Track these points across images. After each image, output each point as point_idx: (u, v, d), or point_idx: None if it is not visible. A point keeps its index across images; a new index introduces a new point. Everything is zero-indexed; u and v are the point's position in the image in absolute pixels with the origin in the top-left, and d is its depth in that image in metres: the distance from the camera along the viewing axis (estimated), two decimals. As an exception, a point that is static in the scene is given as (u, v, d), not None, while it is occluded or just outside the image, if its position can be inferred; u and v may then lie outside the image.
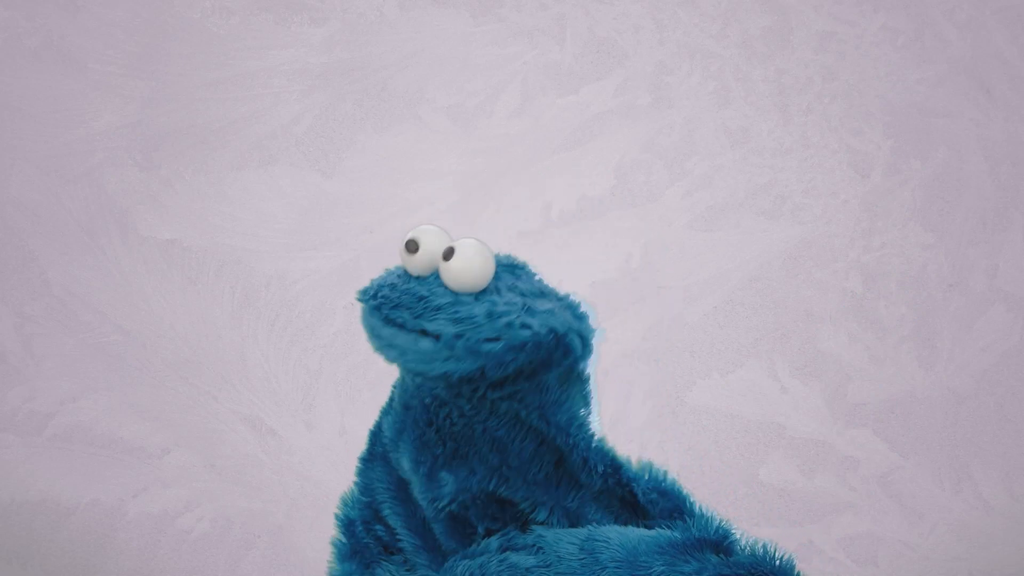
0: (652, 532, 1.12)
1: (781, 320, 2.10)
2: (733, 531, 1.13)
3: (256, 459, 2.08)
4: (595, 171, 2.12)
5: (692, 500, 1.17)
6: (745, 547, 1.11)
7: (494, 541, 1.16)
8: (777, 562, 1.10)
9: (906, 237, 2.11)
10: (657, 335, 2.10)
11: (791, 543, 2.04)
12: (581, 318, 1.13)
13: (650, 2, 2.14)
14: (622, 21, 2.13)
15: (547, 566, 1.12)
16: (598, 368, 2.10)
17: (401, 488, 1.21)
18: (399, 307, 1.09)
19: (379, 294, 1.11)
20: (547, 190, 2.12)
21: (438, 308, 1.08)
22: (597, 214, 2.12)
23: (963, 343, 2.10)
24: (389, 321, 1.09)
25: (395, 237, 2.09)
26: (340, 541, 1.24)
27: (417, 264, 1.11)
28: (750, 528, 2.01)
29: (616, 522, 1.16)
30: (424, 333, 1.07)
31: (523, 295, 1.10)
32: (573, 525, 1.15)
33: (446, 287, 1.09)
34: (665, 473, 1.18)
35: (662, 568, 1.08)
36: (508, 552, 1.15)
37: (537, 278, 1.16)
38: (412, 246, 1.11)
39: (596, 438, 1.16)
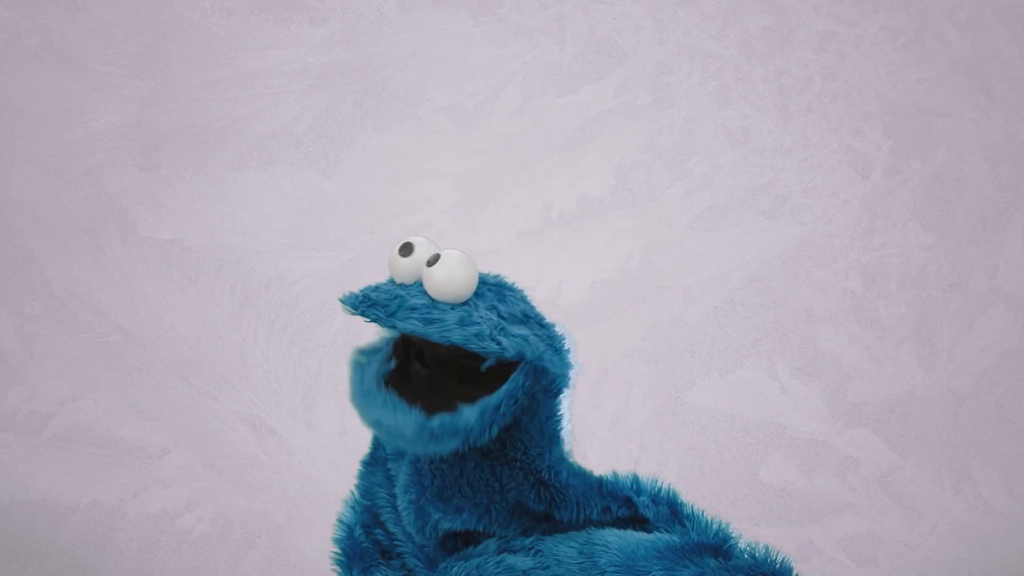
0: (651, 536, 1.12)
1: (781, 320, 2.10)
2: (732, 535, 1.13)
3: (256, 459, 2.08)
4: (595, 171, 2.12)
5: (689, 505, 1.18)
6: (744, 550, 1.11)
7: (492, 543, 1.16)
8: (776, 565, 1.10)
9: (906, 237, 2.11)
10: (657, 335, 2.10)
11: (791, 543, 2.04)
12: (559, 351, 1.13)
13: (650, 2, 2.14)
14: (622, 21, 2.13)
15: (545, 568, 1.12)
16: (598, 368, 2.10)
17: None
18: (376, 305, 1.09)
19: (363, 293, 1.12)
20: (547, 190, 2.12)
21: (413, 308, 1.08)
22: (597, 214, 2.11)
23: (963, 343, 2.10)
24: (363, 363, 1.12)
25: (395, 237, 2.09)
26: (338, 552, 1.25)
27: (404, 269, 1.12)
28: (750, 528, 2.01)
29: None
30: (395, 329, 1.09)
31: (501, 316, 1.11)
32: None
33: (427, 294, 1.10)
34: (656, 481, 1.19)
35: (661, 572, 1.08)
36: (505, 554, 1.15)
37: (525, 303, 1.16)
38: (407, 249, 1.12)
39: (595, 475, 1.17)
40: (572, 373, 1.15)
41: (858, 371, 2.09)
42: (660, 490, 1.18)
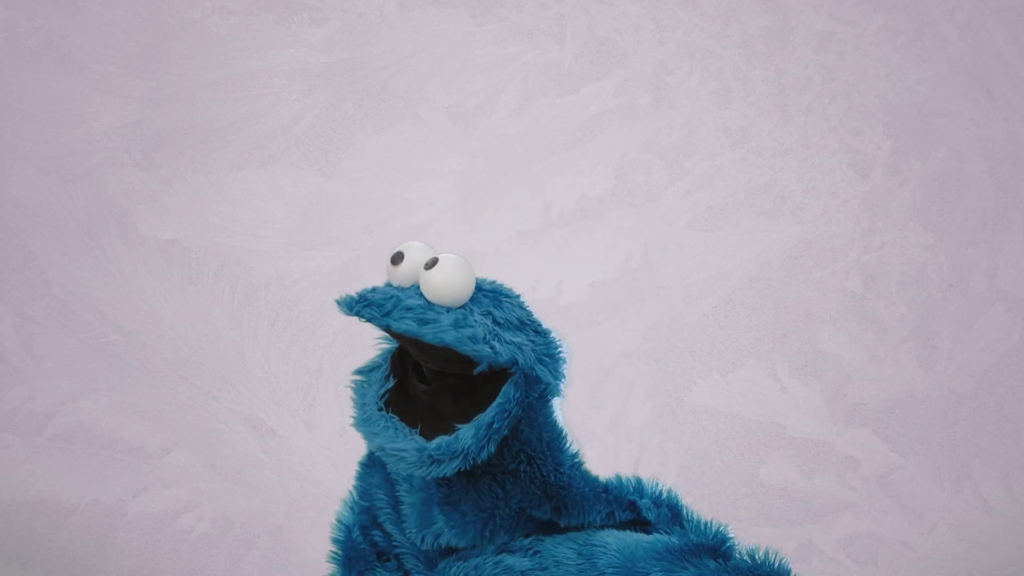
0: (650, 537, 1.12)
1: (781, 320, 2.10)
2: (730, 536, 1.13)
3: (256, 459, 2.08)
4: (595, 171, 2.12)
5: (688, 507, 1.18)
6: (742, 552, 1.12)
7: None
8: (774, 566, 1.10)
9: (906, 237, 2.11)
10: (657, 335, 2.10)
11: (791, 543, 2.04)
12: (553, 359, 1.13)
13: (650, 2, 2.14)
14: (622, 21, 2.13)
15: (543, 569, 1.12)
16: (598, 368, 2.10)
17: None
18: (371, 305, 1.10)
19: (359, 294, 1.12)
20: (547, 190, 2.12)
21: (408, 308, 1.09)
22: (597, 214, 2.11)
23: (963, 343, 2.10)
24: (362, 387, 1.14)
25: (395, 237, 2.10)
26: (336, 552, 1.25)
27: (400, 275, 1.13)
28: (750, 528, 2.01)
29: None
30: (389, 331, 1.10)
31: (496, 322, 1.11)
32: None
33: (423, 297, 1.11)
34: (658, 484, 1.19)
35: (660, 574, 1.08)
36: (504, 554, 1.15)
37: (521, 309, 1.16)
38: (397, 258, 1.13)
39: (599, 479, 1.17)
40: (563, 385, 1.15)
41: (858, 371, 2.09)
42: (662, 493, 1.18)
